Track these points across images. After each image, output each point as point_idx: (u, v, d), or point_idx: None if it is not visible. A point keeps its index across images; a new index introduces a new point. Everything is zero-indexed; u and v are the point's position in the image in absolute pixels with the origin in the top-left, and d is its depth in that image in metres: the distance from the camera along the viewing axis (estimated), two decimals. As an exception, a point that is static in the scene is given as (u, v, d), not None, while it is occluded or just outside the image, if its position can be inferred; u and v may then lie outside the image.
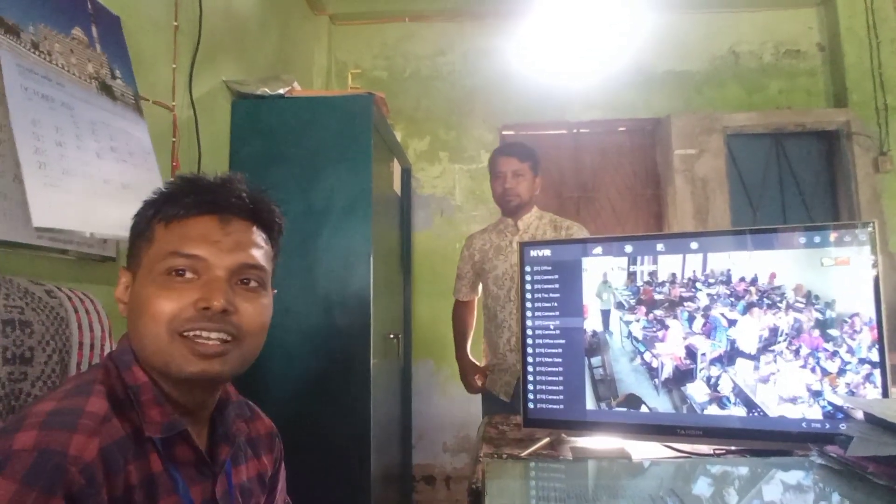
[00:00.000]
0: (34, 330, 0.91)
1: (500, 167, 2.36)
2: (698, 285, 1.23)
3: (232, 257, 0.79)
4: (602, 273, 1.30)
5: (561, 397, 1.31)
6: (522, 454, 1.24)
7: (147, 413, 0.74)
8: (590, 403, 1.28)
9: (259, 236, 0.85)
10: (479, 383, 2.50)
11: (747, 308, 1.18)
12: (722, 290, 1.21)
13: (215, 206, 0.81)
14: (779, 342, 1.16)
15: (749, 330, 1.18)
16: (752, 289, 1.19)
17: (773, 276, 1.18)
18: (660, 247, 1.27)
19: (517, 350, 2.27)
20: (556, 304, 1.34)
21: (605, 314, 1.29)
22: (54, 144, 1.33)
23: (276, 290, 0.89)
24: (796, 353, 1.14)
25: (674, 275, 1.25)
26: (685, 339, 1.22)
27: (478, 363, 2.63)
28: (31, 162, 1.25)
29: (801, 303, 1.15)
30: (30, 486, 0.59)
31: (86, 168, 1.41)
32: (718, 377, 1.19)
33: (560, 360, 1.32)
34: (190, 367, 0.76)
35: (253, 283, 0.82)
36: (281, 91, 2.45)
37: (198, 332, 0.76)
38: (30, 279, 1.00)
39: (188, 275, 0.77)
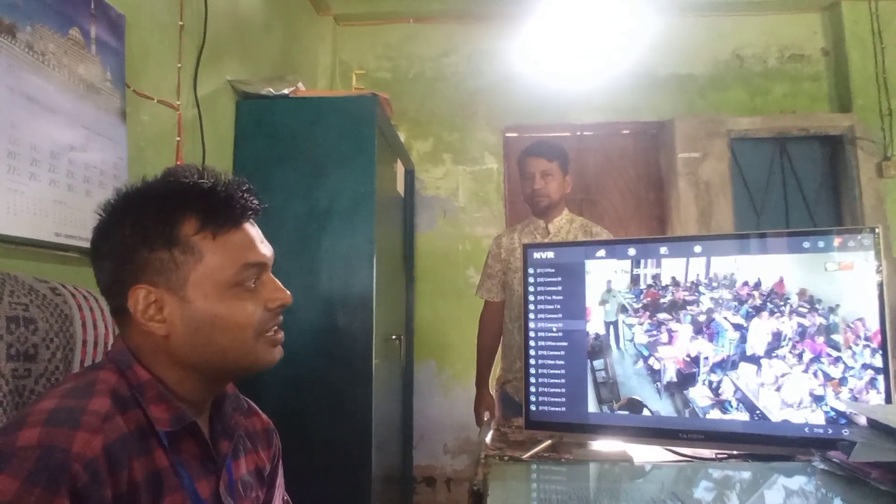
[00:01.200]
0: (38, 327, 0.91)
1: (528, 168, 2.32)
2: (701, 289, 1.23)
3: (270, 255, 0.87)
4: (606, 281, 1.30)
5: (563, 400, 1.31)
6: (524, 456, 1.24)
7: (153, 409, 0.75)
8: (592, 406, 1.28)
9: None
10: (486, 418, 2.39)
11: (750, 312, 1.18)
12: (725, 294, 1.21)
13: (247, 212, 0.85)
14: (782, 347, 1.16)
15: (752, 334, 1.18)
16: (756, 293, 1.19)
17: (779, 280, 1.17)
18: (663, 250, 1.27)
19: None
20: (558, 307, 1.34)
21: (608, 325, 1.29)
22: (28, 148, 1.34)
23: None
24: (799, 357, 1.14)
25: (675, 278, 1.25)
26: (688, 342, 1.22)
27: (492, 395, 2.49)
28: (1, 165, 1.26)
29: (805, 307, 1.15)
30: (33, 483, 0.59)
31: (54, 175, 1.42)
32: (721, 381, 1.19)
33: (562, 362, 1.32)
34: (272, 356, 0.86)
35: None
36: (285, 91, 2.46)
37: (275, 328, 0.86)
38: (34, 276, 1.00)
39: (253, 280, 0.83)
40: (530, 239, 2.34)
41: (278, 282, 0.86)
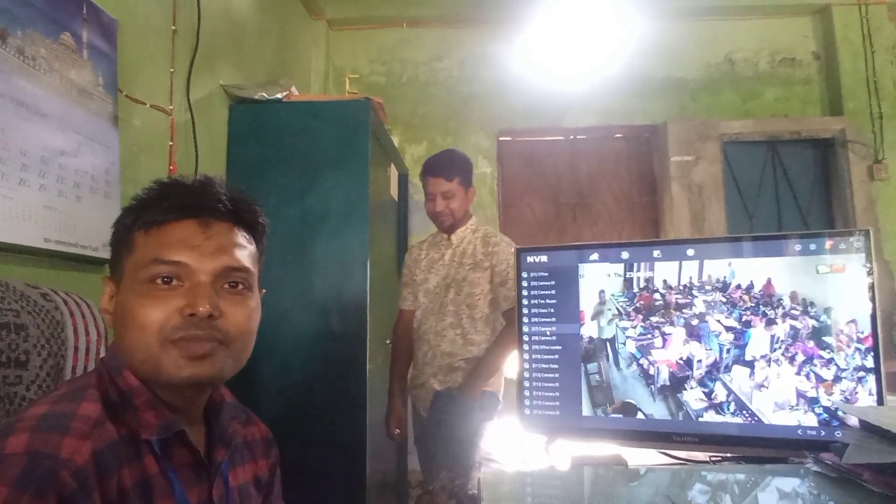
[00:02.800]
0: (30, 333, 0.91)
1: (429, 188, 2.27)
2: (694, 292, 1.23)
3: (215, 261, 0.78)
4: (598, 292, 1.30)
5: (557, 403, 1.31)
6: (518, 460, 1.23)
7: (142, 416, 0.74)
8: (586, 410, 1.28)
9: (241, 237, 0.84)
10: (396, 432, 2.32)
11: (743, 315, 1.19)
12: (718, 296, 1.21)
13: (194, 210, 0.80)
14: (775, 349, 1.16)
15: (745, 337, 1.18)
16: (748, 296, 1.19)
17: (769, 283, 1.18)
18: (656, 253, 1.27)
19: (433, 364, 2.22)
20: (552, 311, 1.34)
21: (602, 332, 1.29)
22: (18, 154, 1.34)
23: (264, 291, 0.88)
24: (791, 360, 1.15)
25: (666, 282, 1.25)
26: (681, 345, 1.22)
27: (402, 408, 2.35)
28: None
29: (797, 310, 1.15)
30: (21, 490, 0.59)
31: (44, 180, 1.41)
32: (714, 384, 1.19)
33: (556, 366, 1.32)
34: (181, 371, 0.75)
35: (239, 286, 0.81)
36: (278, 95, 2.45)
37: (187, 339, 0.75)
38: (26, 282, 0.99)
39: (173, 282, 0.76)
40: (435, 251, 2.35)
41: (208, 291, 0.77)
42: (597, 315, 1.30)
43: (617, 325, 1.28)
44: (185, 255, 0.77)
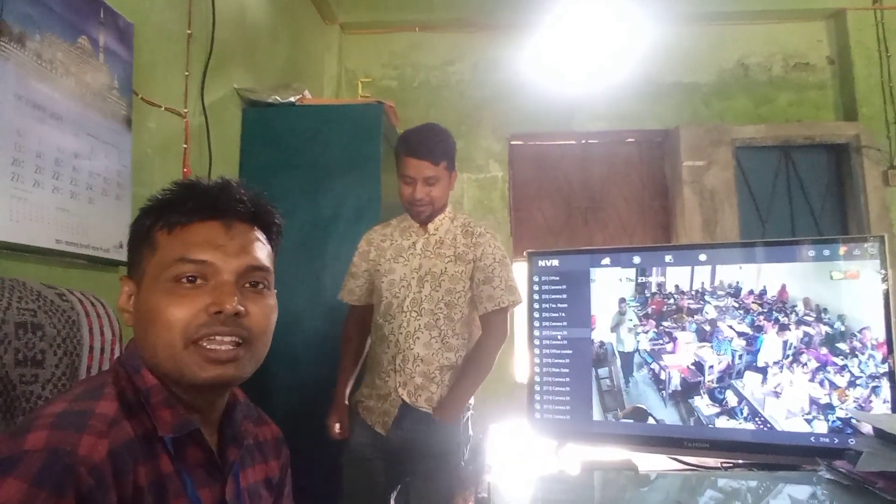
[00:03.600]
0: (46, 333, 0.92)
1: (408, 170, 1.89)
2: (706, 297, 1.22)
3: (238, 260, 0.80)
4: (617, 301, 1.29)
5: (567, 408, 1.31)
6: (528, 464, 1.23)
7: (158, 414, 0.75)
8: (596, 414, 1.28)
9: (261, 237, 0.86)
10: (337, 431, 1.94)
11: (755, 321, 1.18)
12: (730, 302, 1.20)
13: (218, 211, 0.81)
14: (787, 355, 1.15)
15: (757, 343, 1.17)
16: (761, 302, 1.18)
17: (783, 289, 1.17)
18: (668, 258, 1.27)
19: (403, 371, 1.85)
20: (563, 315, 1.34)
21: (623, 346, 1.29)
22: (33, 156, 1.36)
23: (275, 291, 0.90)
24: (804, 366, 1.14)
25: (678, 287, 1.25)
26: (693, 351, 1.22)
27: (345, 407, 1.99)
28: (5, 172, 1.28)
29: (811, 316, 1.15)
30: (40, 486, 0.60)
31: (57, 182, 1.43)
32: (726, 390, 1.19)
33: (567, 370, 1.32)
34: (204, 373, 0.76)
35: (260, 286, 0.83)
36: (291, 99, 2.47)
37: (211, 338, 0.76)
38: (42, 283, 1.01)
39: (197, 281, 0.77)
40: (404, 238, 1.97)
41: (233, 289, 0.78)
42: (616, 325, 1.29)
43: (629, 330, 1.28)
44: (209, 255, 0.78)
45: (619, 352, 1.28)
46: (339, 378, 2.02)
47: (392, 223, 2.05)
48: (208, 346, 0.76)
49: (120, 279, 0.82)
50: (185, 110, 2.02)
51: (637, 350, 1.27)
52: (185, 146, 2.02)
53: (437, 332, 1.88)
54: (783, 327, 1.16)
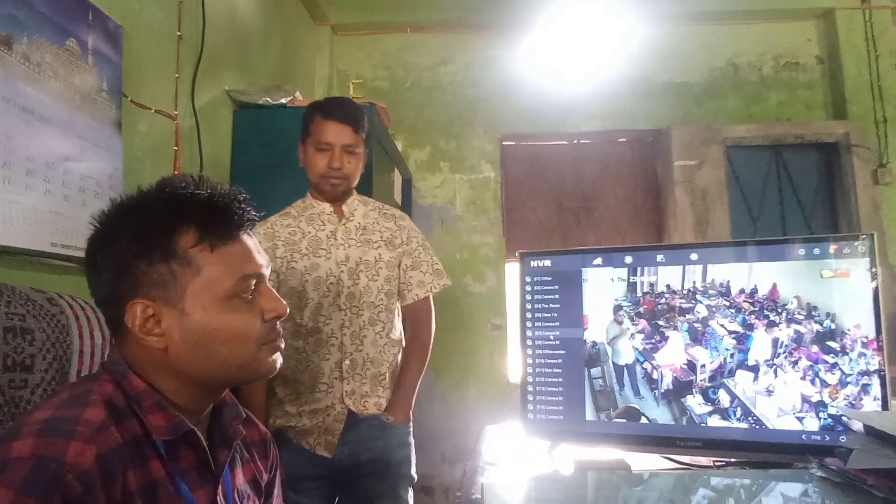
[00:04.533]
0: (35, 337, 0.91)
1: (326, 136, 1.70)
2: (698, 296, 1.23)
3: (267, 265, 0.87)
4: (612, 306, 1.29)
5: (560, 408, 1.31)
6: (521, 465, 1.23)
7: (151, 418, 0.75)
8: (589, 414, 1.28)
9: None
10: None
11: (746, 319, 1.19)
12: (721, 301, 1.21)
13: (244, 223, 0.85)
14: (778, 354, 1.16)
15: (748, 342, 1.18)
16: (752, 300, 1.19)
17: (774, 287, 1.18)
18: (660, 258, 1.27)
19: (351, 378, 1.67)
20: (556, 315, 1.34)
21: (619, 359, 1.28)
22: (23, 159, 1.35)
23: None
24: (795, 364, 1.14)
25: (670, 286, 1.25)
26: (684, 350, 1.22)
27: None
28: None
29: (801, 314, 1.15)
30: (27, 494, 0.59)
31: (49, 185, 1.42)
32: (718, 389, 1.19)
33: (560, 370, 1.32)
34: (275, 365, 0.86)
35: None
36: (283, 101, 2.46)
37: (275, 336, 0.85)
38: (31, 287, 1.00)
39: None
40: (317, 228, 1.76)
41: (274, 292, 0.86)
42: (615, 338, 1.28)
43: (626, 337, 1.28)
44: (259, 267, 0.84)
45: (615, 363, 1.27)
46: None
47: (291, 212, 1.82)
48: (277, 343, 0.86)
49: (131, 306, 0.77)
50: (176, 112, 2.01)
51: (636, 357, 1.27)
52: (175, 148, 2.01)
53: (381, 328, 1.72)
54: (774, 326, 1.17)
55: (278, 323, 0.86)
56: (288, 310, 0.85)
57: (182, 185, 0.82)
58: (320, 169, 1.73)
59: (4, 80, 1.30)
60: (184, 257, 0.78)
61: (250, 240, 0.85)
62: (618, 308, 1.28)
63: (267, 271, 0.86)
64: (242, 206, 0.84)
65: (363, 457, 1.66)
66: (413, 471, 1.78)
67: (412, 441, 1.80)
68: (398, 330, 1.80)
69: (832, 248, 1.15)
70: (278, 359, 0.87)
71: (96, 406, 0.71)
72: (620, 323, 1.28)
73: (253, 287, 0.83)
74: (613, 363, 1.27)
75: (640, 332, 1.26)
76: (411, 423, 1.80)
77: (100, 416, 0.70)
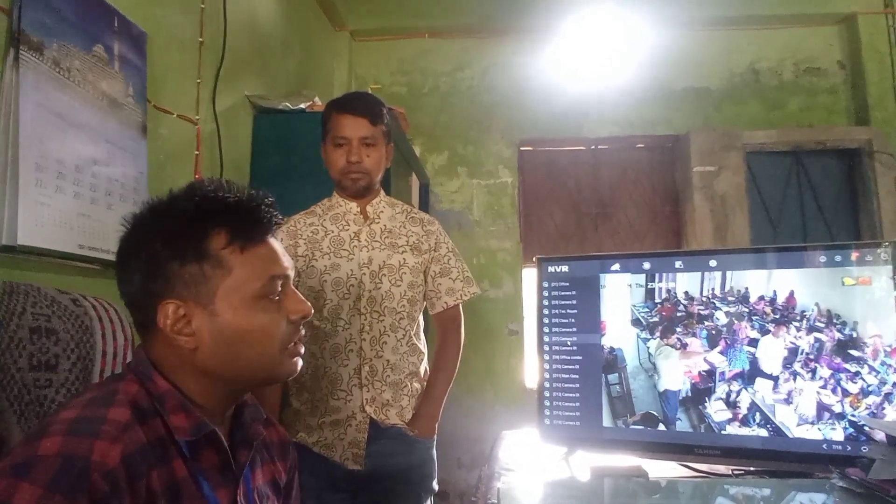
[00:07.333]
0: (60, 338, 0.93)
1: (342, 131, 1.65)
2: (717, 303, 1.22)
3: (292, 267, 0.88)
4: (632, 323, 1.28)
5: (577, 414, 1.30)
6: (537, 471, 1.23)
7: (174, 418, 0.76)
8: (606, 420, 1.28)
9: None
10: None
11: (766, 327, 1.18)
12: (741, 308, 1.20)
13: (272, 225, 0.87)
14: (799, 362, 1.15)
15: (768, 349, 1.17)
16: (772, 307, 1.18)
17: (792, 294, 1.17)
18: (678, 264, 1.27)
19: (371, 386, 1.60)
20: (573, 321, 1.34)
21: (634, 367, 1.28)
22: (54, 162, 1.37)
23: None
24: (816, 373, 1.13)
25: (688, 293, 1.24)
26: (703, 357, 1.22)
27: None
28: (29, 178, 1.29)
29: (822, 322, 1.14)
30: (54, 492, 0.60)
31: (78, 188, 1.45)
32: (737, 396, 1.18)
33: (577, 376, 1.32)
34: (295, 367, 0.87)
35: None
36: (302, 106, 2.49)
37: (300, 337, 0.87)
38: (56, 288, 1.02)
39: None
40: (340, 227, 1.70)
41: (299, 294, 0.87)
42: (645, 358, 1.27)
43: (638, 336, 1.28)
44: (286, 268, 0.86)
45: (662, 390, 1.26)
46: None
47: (316, 211, 1.77)
48: (298, 348, 0.87)
49: (163, 305, 0.78)
50: (197, 117, 2.04)
51: (650, 356, 1.26)
52: (196, 153, 2.03)
53: (402, 334, 1.64)
54: (794, 333, 1.15)
55: (303, 329, 0.88)
56: (312, 311, 0.87)
57: (212, 189, 0.83)
58: (339, 165, 1.67)
59: (37, 85, 1.33)
60: (215, 258, 0.79)
61: (276, 242, 0.87)
62: (637, 322, 1.28)
63: (292, 273, 0.87)
64: (270, 209, 0.86)
65: (385, 471, 1.61)
66: (435, 483, 1.77)
67: (435, 454, 1.76)
68: (421, 339, 1.73)
69: (854, 255, 1.14)
70: (299, 362, 0.88)
71: (122, 406, 0.73)
72: (646, 341, 1.27)
73: (279, 288, 0.84)
74: (658, 390, 1.25)
75: (657, 338, 1.26)
76: (435, 436, 1.75)
77: (125, 415, 0.71)
